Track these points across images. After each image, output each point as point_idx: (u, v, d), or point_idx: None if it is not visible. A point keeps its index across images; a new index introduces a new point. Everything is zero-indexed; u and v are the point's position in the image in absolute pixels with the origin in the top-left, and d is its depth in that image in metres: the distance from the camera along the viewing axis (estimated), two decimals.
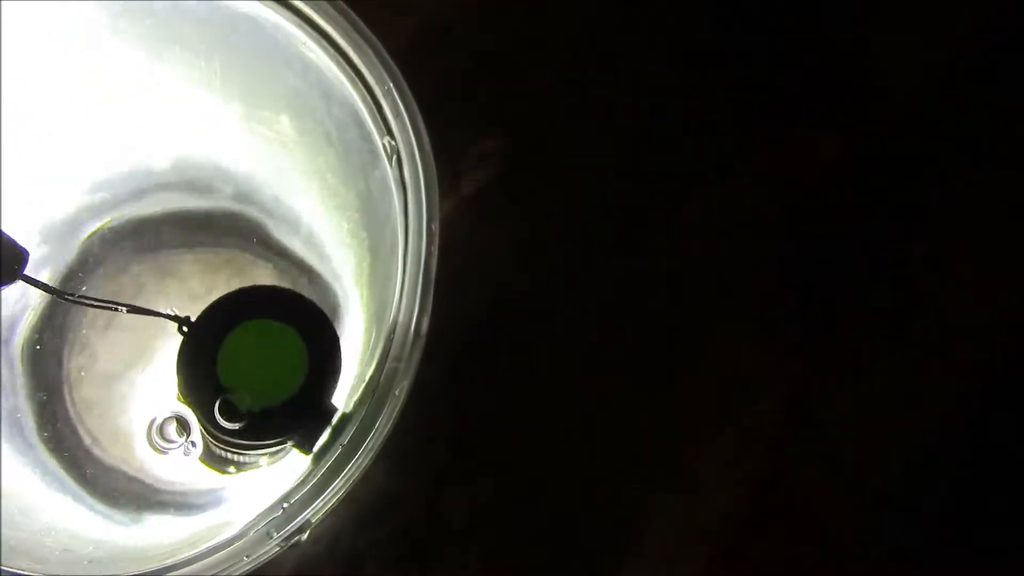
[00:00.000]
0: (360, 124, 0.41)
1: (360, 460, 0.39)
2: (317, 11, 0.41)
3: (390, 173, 0.40)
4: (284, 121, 0.47)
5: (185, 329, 0.49)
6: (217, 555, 0.38)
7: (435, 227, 0.39)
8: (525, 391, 0.52)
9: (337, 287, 0.56)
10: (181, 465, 0.59)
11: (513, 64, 0.58)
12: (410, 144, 0.40)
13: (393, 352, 0.38)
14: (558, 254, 0.58)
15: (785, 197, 0.67)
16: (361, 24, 0.42)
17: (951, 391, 0.67)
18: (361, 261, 0.50)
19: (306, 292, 0.58)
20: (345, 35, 0.42)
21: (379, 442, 0.38)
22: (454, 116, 0.56)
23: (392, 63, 0.41)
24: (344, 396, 0.47)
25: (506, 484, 0.47)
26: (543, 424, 0.52)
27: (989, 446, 0.67)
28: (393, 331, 0.39)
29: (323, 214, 0.53)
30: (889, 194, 0.68)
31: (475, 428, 0.49)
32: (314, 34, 0.42)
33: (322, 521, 0.44)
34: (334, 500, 0.37)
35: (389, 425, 0.37)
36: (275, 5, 0.41)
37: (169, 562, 0.39)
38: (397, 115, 0.41)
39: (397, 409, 0.37)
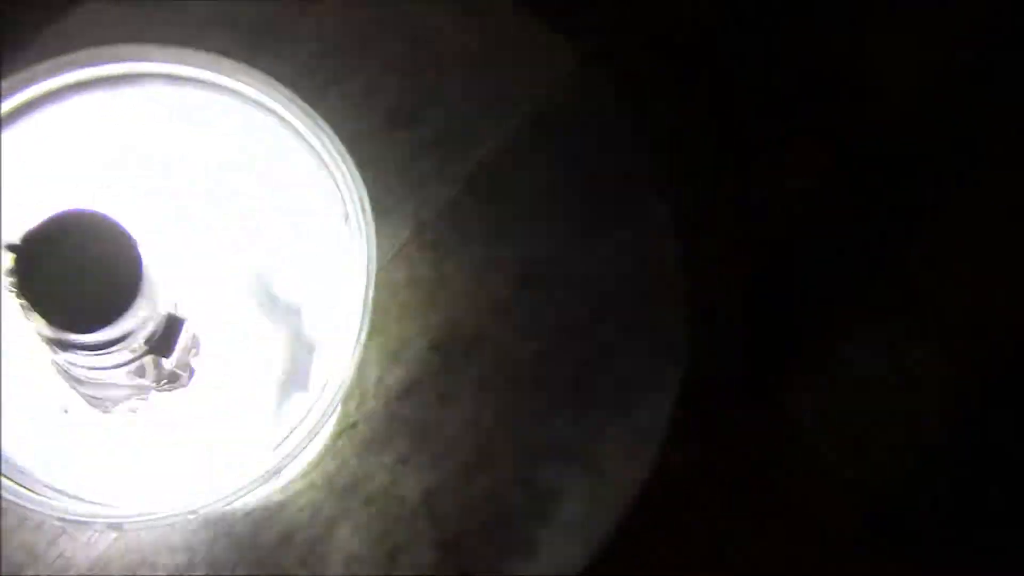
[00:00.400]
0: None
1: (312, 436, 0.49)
2: (306, 125, 0.52)
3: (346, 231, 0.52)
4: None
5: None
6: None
7: (372, 268, 0.50)
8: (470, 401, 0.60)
9: None
10: None
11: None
12: (357, 213, 0.51)
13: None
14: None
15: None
16: (335, 139, 0.52)
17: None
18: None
19: None
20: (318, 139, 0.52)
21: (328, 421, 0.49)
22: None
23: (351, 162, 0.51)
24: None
25: (447, 470, 0.58)
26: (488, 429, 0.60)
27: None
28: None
29: None
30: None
31: (429, 427, 0.59)
32: (300, 138, 0.53)
33: (304, 493, 0.58)
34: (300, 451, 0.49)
35: (332, 413, 0.48)
36: (279, 121, 0.53)
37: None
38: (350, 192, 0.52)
39: (335, 404, 0.49)
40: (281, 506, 0.55)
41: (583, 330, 0.58)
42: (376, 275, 0.57)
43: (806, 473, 0.67)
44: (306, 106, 0.52)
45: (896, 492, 0.67)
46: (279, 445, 0.50)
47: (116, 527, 0.50)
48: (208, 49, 0.57)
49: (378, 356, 0.57)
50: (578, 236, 0.59)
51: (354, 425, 0.56)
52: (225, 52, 0.58)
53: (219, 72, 0.53)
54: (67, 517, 0.48)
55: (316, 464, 0.56)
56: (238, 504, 0.55)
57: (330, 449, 0.57)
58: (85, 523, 0.50)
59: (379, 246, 0.57)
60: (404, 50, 0.60)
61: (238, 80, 0.54)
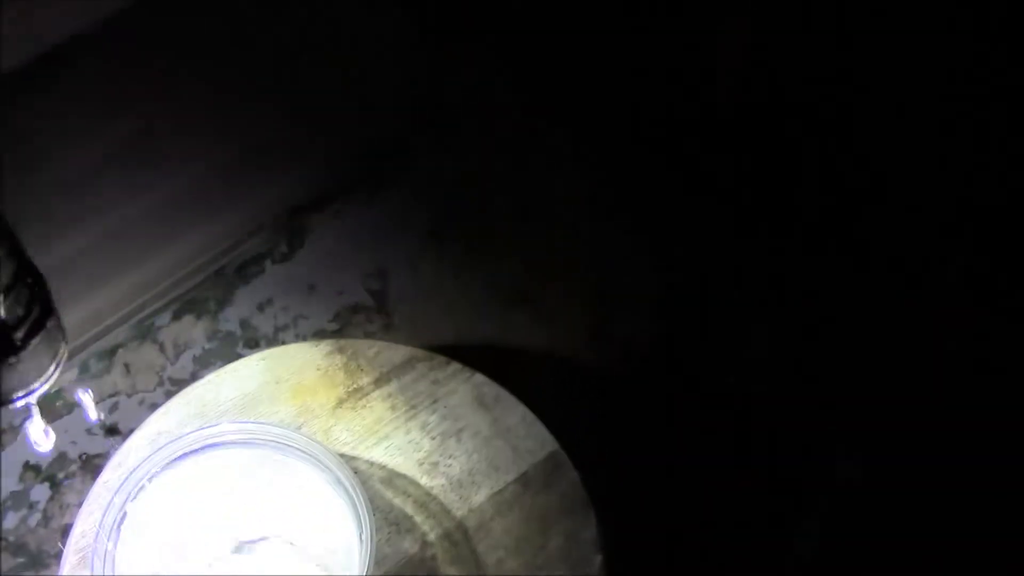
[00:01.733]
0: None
1: None
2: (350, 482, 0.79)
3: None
4: None
5: None
6: None
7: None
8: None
9: None
10: None
11: None
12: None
13: None
14: None
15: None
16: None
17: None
18: None
19: None
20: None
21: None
22: None
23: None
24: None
25: None
26: None
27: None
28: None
29: None
30: None
31: None
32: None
33: None
34: None
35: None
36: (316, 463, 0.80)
37: None
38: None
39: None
40: None
41: None
42: None
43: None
44: (351, 471, 0.79)
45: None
46: None
47: None
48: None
49: None
50: (529, 550, 0.85)
51: None
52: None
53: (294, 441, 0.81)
54: None
55: None
56: None
57: None
58: None
59: (393, 556, 0.84)
60: (435, 421, 0.90)
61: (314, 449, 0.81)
